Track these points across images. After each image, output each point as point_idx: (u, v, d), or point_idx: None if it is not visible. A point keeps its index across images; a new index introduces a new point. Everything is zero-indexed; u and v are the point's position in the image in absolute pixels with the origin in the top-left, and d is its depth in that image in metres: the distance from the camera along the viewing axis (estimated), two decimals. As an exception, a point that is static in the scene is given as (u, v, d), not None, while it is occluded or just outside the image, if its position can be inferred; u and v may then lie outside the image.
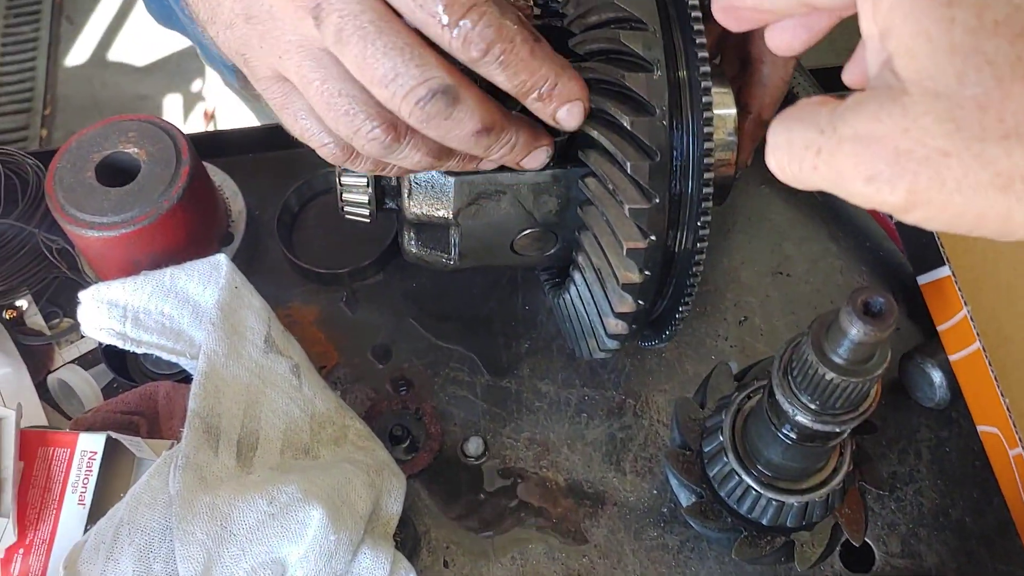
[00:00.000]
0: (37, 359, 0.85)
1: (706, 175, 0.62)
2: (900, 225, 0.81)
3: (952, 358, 0.71)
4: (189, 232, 0.81)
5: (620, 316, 0.65)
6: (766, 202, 0.94)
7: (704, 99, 0.61)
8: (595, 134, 0.61)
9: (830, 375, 0.56)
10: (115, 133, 0.81)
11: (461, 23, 0.51)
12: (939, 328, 0.72)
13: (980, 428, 0.72)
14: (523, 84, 0.55)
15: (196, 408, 0.69)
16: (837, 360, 0.56)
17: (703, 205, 0.62)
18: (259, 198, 0.93)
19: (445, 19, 0.50)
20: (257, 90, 0.60)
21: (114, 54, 2.69)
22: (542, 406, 0.83)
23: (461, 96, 0.53)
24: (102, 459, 0.69)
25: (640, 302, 0.64)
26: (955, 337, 0.69)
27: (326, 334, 0.87)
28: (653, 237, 0.61)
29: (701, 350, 0.86)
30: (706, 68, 0.61)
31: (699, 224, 0.63)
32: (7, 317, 0.86)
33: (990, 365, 0.64)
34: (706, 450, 0.72)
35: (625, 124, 0.59)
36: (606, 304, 0.66)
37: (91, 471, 0.69)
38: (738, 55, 0.78)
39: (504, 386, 0.84)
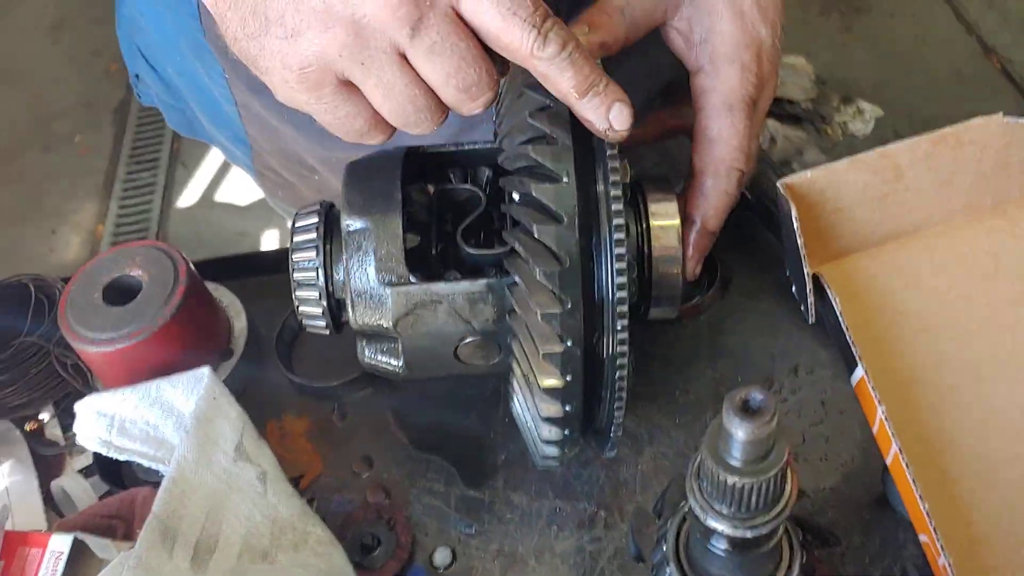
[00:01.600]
0: (51, 467, 0.91)
1: (619, 279, 0.63)
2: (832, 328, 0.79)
3: (886, 462, 0.68)
4: (185, 347, 0.87)
5: (548, 421, 0.66)
6: (755, 311, 0.93)
7: (614, 206, 0.63)
8: (515, 244, 0.64)
9: (731, 479, 0.55)
10: (124, 258, 0.89)
11: (543, 27, 0.59)
12: (873, 431, 0.69)
13: (920, 537, 0.68)
14: (586, 79, 0.61)
15: (158, 511, 0.73)
16: (734, 463, 0.55)
17: (619, 309, 0.63)
18: (264, 317, 0.99)
19: (530, 23, 0.58)
20: (310, 105, 0.64)
21: (220, 195, 2.91)
22: (513, 517, 0.83)
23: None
24: (69, 559, 0.73)
25: (567, 407, 0.65)
26: (882, 440, 0.66)
27: (314, 444, 0.90)
28: (570, 342, 0.63)
29: (679, 462, 0.84)
30: (616, 177, 0.63)
31: (618, 328, 0.64)
32: (28, 429, 0.93)
33: (907, 467, 0.61)
34: (654, 561, 0.70)
35: (534, 232, 0.62)
36: (535, 410, 0.66)
37: (57, 570, 0.73)
38: (688, 168, 0.80)
39: (477, 497, 0.84)
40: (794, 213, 0.67)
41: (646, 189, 0.75)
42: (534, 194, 0.62)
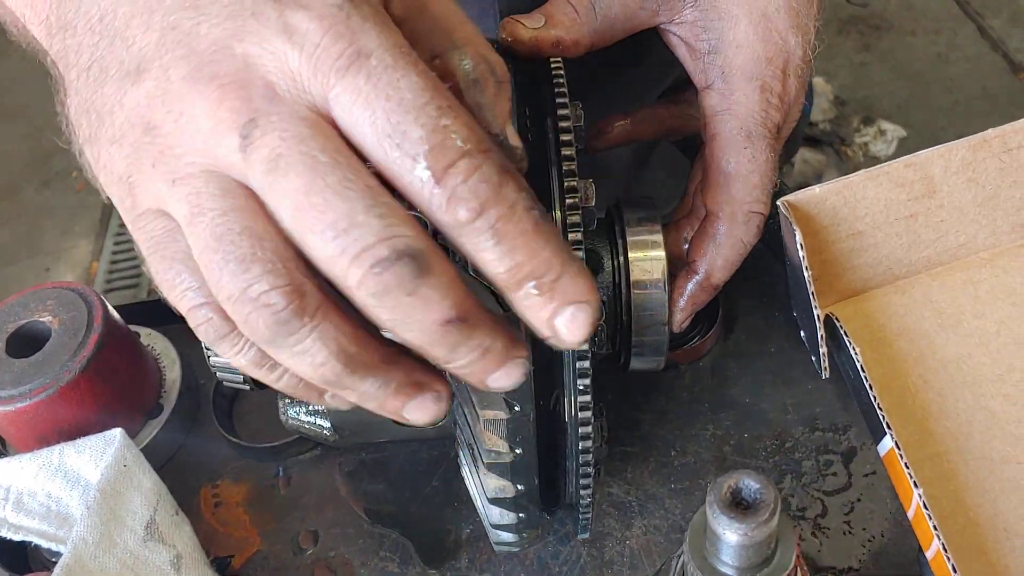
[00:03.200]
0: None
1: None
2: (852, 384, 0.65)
3: (926, 555, 0.54)
4: (101, 404, 0.75)
5: (496, 503, 0.53)
6: (764, 355, 0.80)
7: (570, 236, 0.51)
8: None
9: (723, 590, 0.42)
10: (35, 302, 0.78)
11: (448, 173, 0.38)
12: (908, 515, 0.56)
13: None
14: (519, 268, 0.39)
15: (43, 608, 0.61)
16: (726, 570, 0.42)
17: (579, 365, 0.51)
18: (204, 367, 0.87)
19: (425, 165, 0.38)
20: (129, 227, 0.46)
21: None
22: (478, 605, 0.70)
23: (433, 268, 0.39)
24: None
25: (519, 486, 0.52)
26: (919, 528, 0.52)
27: (253, 516, 0.78)
28: (518, 407, 0.50)
29: (675, 537, 0.71)
30: (572, 200, 0.51)
31: (579, 388, 0.51)
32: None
33: (954, 570, 0.48)
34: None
35: (471, 271, 0.49)
36: (482, 488, 0.54)
37: None
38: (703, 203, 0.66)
39: (436, 580, 0.72)
40: (799, 239, 0.54)
41: (625, 213, 0.63)
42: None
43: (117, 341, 0.78)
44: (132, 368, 0.80)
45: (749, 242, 0.62)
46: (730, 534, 0.39)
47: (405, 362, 0.43)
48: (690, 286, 0.63)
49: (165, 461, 0.81)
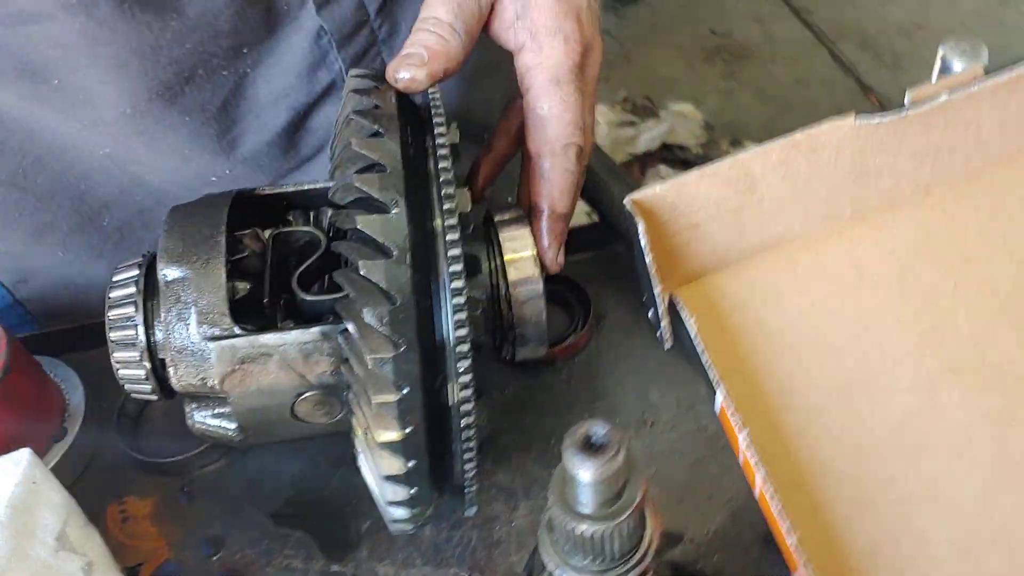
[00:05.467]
0: None
1: (457, 316, 0.57)
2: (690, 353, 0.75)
3: (755, 494, 0.63)
4: (7, 429, 0.78)
5: (391, 480, 0.59)
6: (631, 347, 0.88)
7: (448, 236, 0.58)
8: (345, 284, 0.58)
9: (581, 527, 0.49)
10: (-67, 333, 0.80)
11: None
12: (739, 461, 0.64)
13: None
14: None
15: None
16: (583, 509, 0.49)
17: (458, 349, 0.57)
18: (111, 390, 0.90)
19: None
20: None
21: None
22: (380, 591, 0.75)
23: None
24: None
25: (410, 463, 0.59)
26: (748, 471, 0.61)
27: (159, 528, 0.81)
28: (406, 389, 0.56)
29: (558, 515, 0.78)
30: (450, 205, 0.58)
31: (460, 371, 0.58)
32: None
33: (772, 499, 0.56)
34: (523, 628, 0.63)
35: (359, 268, 0.56)
36: (376, 468, 0.60)
37: None
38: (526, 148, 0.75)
39: (340, 571, 0.77)
40: (642, 229, 0.63)
41: (497, 221, 0.70)
42: (360, 227, 0.56)
43: (22, 369, 0.80)
44: (36, 394, 0.83)
45: (573, 170, 0.71)
46: (583, 472, 0.46)
47: None
48: (544, 224, 0.71)
49: (72, 482, 0.83)
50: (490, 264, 0.69)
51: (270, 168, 0.90)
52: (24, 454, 0.74)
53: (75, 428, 0.85)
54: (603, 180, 0.84)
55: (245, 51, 0.83)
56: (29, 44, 0.75)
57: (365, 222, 0.57)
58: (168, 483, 0.84)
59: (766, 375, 0.62)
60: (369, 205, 0.58)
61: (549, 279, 0.72)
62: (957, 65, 0.73)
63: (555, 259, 0.72)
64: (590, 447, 0.46)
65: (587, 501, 0.48)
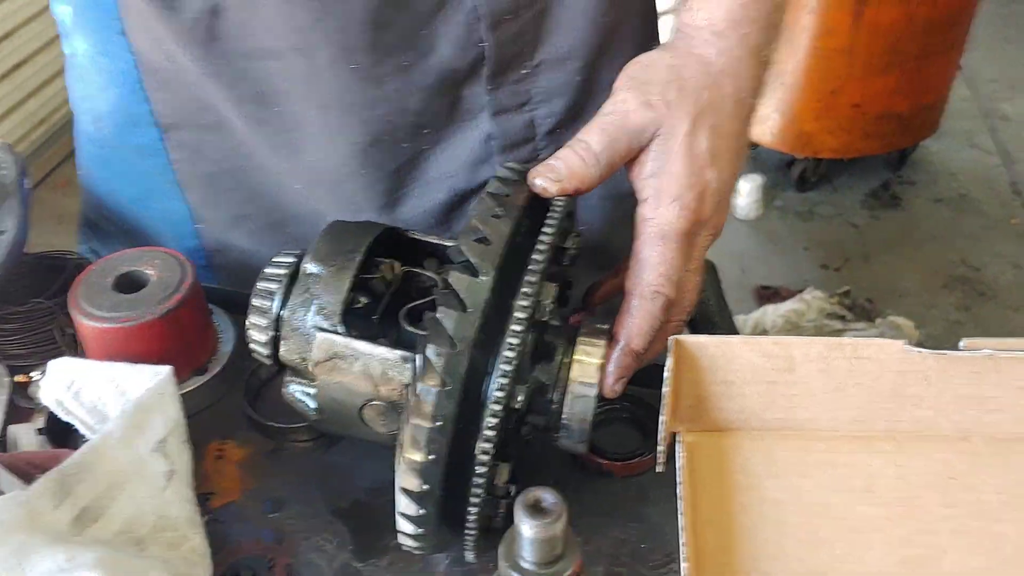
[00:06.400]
0: (20, 417, 1.00)
1: (501, 380, 0.67)
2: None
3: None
4: (164, 348, 0.96)
5: (405, 492, 0.69)
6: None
7: (517, 314, 0.68)
8: (428, 324, 0.70)
9: (523, 582, 0.57)
10: (146, 256, 1.00)
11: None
12: None
13: None
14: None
15: (63, 467, 0.79)
16: (524, 564, 0.57)
17: (491, 408, 0.67)
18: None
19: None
20: None
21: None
22: (384, 599, 0.84)
23: None
24: (-30, 485, 0.80)
25: (425, 485, 0.69)
26: None
27: (241, 474, 0.96)
28: (439, 423, 0.67)
29: None
30: (527, 290, 0.69)
31: (487, 425, 0.68)
32: (18, 380, 1.02)
33: None
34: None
35: (437, 313, 0.68)
36: (398, 479, 0.70)
37: (-40, 486, 0.80)
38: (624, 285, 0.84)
39: (359, 568, 0.87)
40: (669, 364, 0.70)
41: (583, 326, 0.80)
42: (451, 281, 0.68)
43: (193, 305, 0.98)
44: (197, 330, 1.00)
45: (656, 315, 0.79)
46: (527, 529, 0.54)
47: None
48: (615, 354, 0.79)
49: (195, 412, 1.00)
50: (562, 358, 0.78)
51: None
52: (165, 370, 0.90)
53: (215, 370, 1.02)
54: (709, 331, 0.91)
55: (426, 131, 1.00)
56: (265, 75, 0.95)
57: (456, 279, 0.68)
58: (264, 443, 0.98)
59: (741, 535, 0.67)
60: (469, 268, 0.70)
61: (638, 403, 0.79)
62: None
63: (612, 386, 0.79)
64: (538, 509, 0.54)
65: (528, 556, 0.56)
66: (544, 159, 0.80)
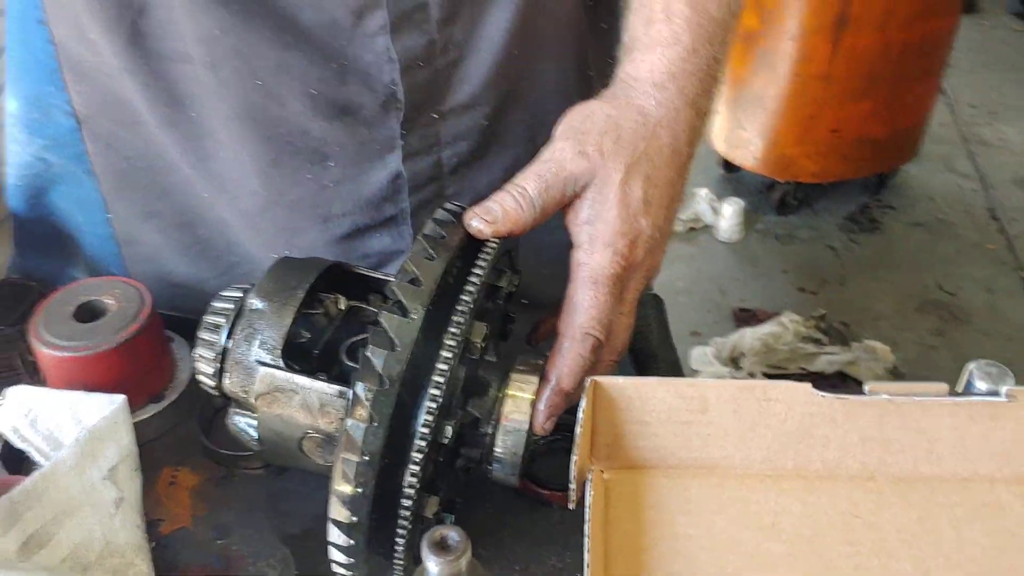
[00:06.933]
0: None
1: (427, 416, 0.70)
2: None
3: None
4: (121, 376, 0.98)
5: (334, 523, 0.72)
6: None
7: (444, 353, 0.71)
8: (360, 360, 0.73)
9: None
10: (105, 286, 1.03)
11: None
12: None
13: None
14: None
15: (13, 495, 0.82)
16: (433, 600, 0.60)
17: (417, 443, 0.70)
18: (210, 380, 1.10)
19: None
20: None
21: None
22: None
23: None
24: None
25: (354, 517, 0.71)
26: None
27: (193, 501, 0.98)
28: (367, 457, 0.70)
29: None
30: (454, 330, 0.72)
31: (413, 460, 0.71)
32: (-20, 404, 1.05)
33: None
34: None
35: (367, 351, 0.71)
36: (329, 509, 0.73)
37: (-89, 513, 0.82)
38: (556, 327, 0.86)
39: (302, 596, 0.90)
40: (583, 404, 0.73)
41: (518, 363, 0.83)
42: (381, 320, 0.71)
43: (151, 334, 1.01)
44: (154, 359, 1.03)
45: (587, 357, 0.81)
46: (432, 565, 0.57)
47: None
48: (546, 393, 0.81)
49: (150, 439, 1.02)
50: (497, 392, 0.81)
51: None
52: (119, 399, 0.94)
53: (172, 397, 1.05)
54: (651, 364, 0.95)
55: (331, 165, 1.01)
56: (179, 78, 0.98)
57: (386, 318, 0.72)
58: (217, 470, 1.01)
59: (652, 569, 0.70)
60: (400, 308, 0.73)
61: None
62: (980, 385, 0.79)
63: (542, 423, 0.82)
64: (443, 547, 0.57)
65: (434, 591, 0.59)
66: (482, 203, 0.83)
